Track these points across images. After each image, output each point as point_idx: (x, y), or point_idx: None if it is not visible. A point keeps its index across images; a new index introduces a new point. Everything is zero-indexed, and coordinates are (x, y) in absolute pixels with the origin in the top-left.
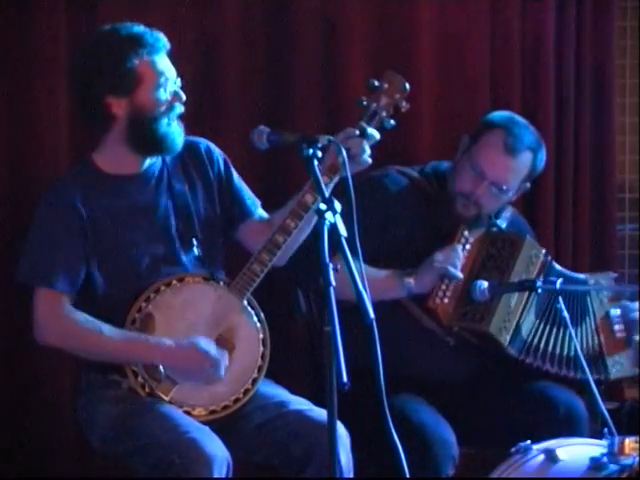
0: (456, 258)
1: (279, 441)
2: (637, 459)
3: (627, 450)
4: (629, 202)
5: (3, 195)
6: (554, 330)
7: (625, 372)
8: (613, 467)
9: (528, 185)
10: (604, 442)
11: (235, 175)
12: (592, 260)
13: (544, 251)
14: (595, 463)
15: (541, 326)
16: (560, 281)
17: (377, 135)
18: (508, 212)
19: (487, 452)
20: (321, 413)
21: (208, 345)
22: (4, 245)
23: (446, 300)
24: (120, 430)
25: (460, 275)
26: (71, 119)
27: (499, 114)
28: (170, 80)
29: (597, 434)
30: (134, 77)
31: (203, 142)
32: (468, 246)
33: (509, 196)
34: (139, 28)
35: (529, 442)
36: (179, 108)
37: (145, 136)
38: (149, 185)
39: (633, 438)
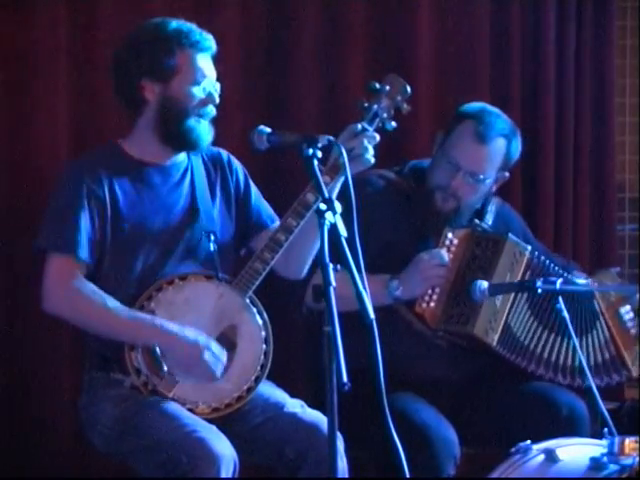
0: (440, 262)
1: (273, 442)
2: (637, 459)
3: (627, 450)
4: (629, 202)
5: (3, 195)
6: (552, 336)
7: None
8: (613, 467)
9: (507, 175)
10: (604, 442)
11: (254, 189)
12: (592, 260)
13: (529, 248)
14: (595, 463)
15: (539, 329)
16: (560, 281)
17: (377, 137)
18: (493, 205)
19: (487, 452)
20: (314, 415)
21: (208, 341)
22: (4, 244)
23: (432, 304)
24: (124, 429)
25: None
26: (71, 119)
27: (471, 106)
28: (208, 80)
29: (597, 434)
30: (172, 66)
31: (224, 153)
32: (453, 248)
33: (487, 185)
34: (190, 25)
35: (529, 442)
36: (211, 109)
37: (172, 126)
38: (172, 179)
39: (633, 438)
